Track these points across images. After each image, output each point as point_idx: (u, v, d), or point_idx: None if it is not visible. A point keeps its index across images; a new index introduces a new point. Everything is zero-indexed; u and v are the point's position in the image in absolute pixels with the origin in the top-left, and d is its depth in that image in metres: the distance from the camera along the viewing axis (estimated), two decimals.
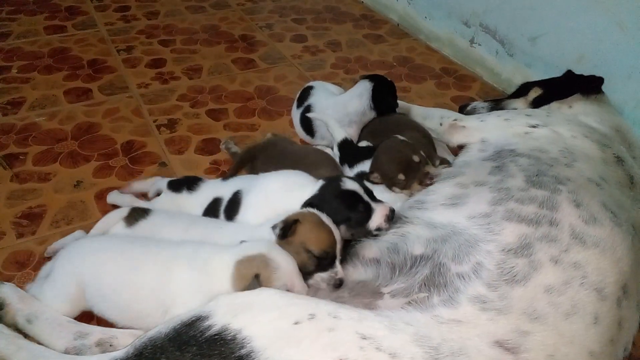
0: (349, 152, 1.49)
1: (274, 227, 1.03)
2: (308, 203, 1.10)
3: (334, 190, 1.11)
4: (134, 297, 1.01)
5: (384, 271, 1.01)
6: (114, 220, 1.19)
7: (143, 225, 1.18)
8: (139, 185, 1.45)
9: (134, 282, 1.01)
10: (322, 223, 1.03)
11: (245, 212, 1.21)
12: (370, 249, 1.08)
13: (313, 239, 1.01)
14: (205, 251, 1.02)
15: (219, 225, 1.20)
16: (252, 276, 0.93)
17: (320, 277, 1.01)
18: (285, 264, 0.97)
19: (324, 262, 1.01)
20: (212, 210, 1.28)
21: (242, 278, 0.94)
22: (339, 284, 1.01)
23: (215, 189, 1.31)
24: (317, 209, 1.07)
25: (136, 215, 1.19)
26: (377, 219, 1.09)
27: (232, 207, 1.24)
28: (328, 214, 1.07)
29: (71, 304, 1.07)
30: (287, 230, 1.01)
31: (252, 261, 0.96)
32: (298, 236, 1.02)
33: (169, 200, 1.33)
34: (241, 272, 0.95)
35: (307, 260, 1.01)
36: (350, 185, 1.11)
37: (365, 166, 1.38)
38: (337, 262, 1.02)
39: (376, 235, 1.10)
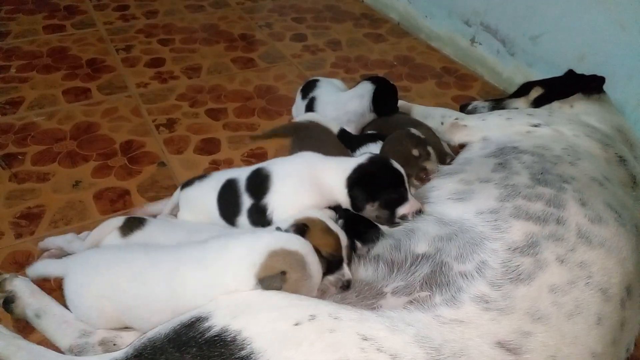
0: (349, 140, 1.50)
1: (280, 230, 1.00)
2: (355, 175, 1.11)
3: (385, 163, 1.14)
4: (151, 310, 0.96)
5: (382, 270, 1.00)
6: (108, 229, 1.15)
7: (138, 235, 1.14)
8: (153, 207, 1.40)
9: (145, 296, 0.96)
10: (329, 229, 1.02)
11: (278, 193, 1.14)
12: (374, 247, 1.07)
13: (322, 243, 0.99)
14: (215, 244, 0.96)
15: (220, 232, 1.14)
16: (279, 271, 0.86)
17: (328, 280, 1.00)
18: (317, 274, 0.92)
19: (331, 264, 1.00)
20: (228, 194, 1.20)
21: (269, 269, 0.87)
22: (346, 286, 0.99)
23: (227, 174, 1.26)
24: (362, 181, 1.10)
25: (131, 225, 1.15)
26: (407, 208, 1.11)
27: (259, 186, 1.16)
28: (370, 186, 1.10)
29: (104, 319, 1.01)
30: (300, 233, 0.98)
31: (287, 256, 0.89)
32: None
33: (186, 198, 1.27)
34: (271, 262, 0.87)
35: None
36: (398, 166, 1.15)
37: (368, 149, 1.39)
38: (344, 265, 1.01)
39: (395, 224, 1.12)
